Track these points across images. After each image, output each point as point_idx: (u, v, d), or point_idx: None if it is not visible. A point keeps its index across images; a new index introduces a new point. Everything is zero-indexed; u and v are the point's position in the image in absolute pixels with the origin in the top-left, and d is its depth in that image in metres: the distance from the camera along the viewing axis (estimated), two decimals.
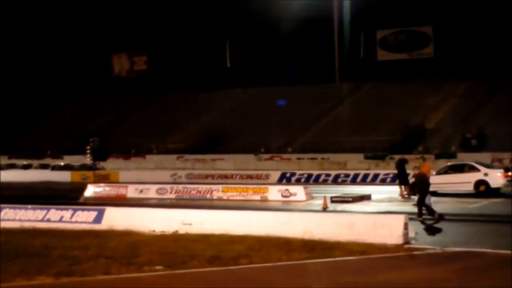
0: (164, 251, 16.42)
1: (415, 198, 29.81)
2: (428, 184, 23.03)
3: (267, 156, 59.49)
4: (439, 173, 32.73)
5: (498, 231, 19.58)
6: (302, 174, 45.97)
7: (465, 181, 31.71)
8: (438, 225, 21.76)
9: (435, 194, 31.31)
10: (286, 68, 73.50)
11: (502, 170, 32.99)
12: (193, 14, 75.97)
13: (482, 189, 31.21)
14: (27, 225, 21.73)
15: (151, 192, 35.24)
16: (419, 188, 22.69)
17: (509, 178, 32.45)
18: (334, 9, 70.44)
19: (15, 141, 72.41)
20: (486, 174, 31.55)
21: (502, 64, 61.61)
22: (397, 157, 40.78)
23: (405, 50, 71.53)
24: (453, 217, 24.02)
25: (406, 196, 30.60)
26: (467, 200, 29.60)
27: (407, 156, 40.48)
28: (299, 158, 56.73)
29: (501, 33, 63.83)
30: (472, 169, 32.15)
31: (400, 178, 31.96)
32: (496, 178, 31.56)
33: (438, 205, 28.26)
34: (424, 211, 22.30)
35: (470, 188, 31.51)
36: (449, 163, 36.06)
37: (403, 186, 31.40)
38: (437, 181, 31.77)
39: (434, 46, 70.10)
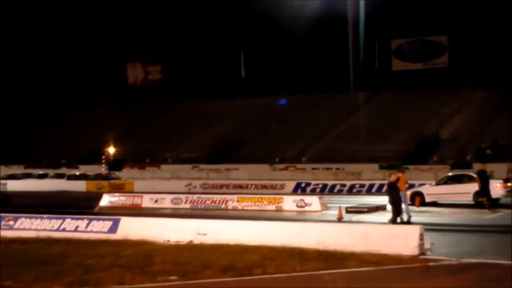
0: (178, 260, 16.43)
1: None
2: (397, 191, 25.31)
3: (282, 166, 59.37)
4: (438, 183, 32.58)
5: None
6: (317, 184, 45.73)
7: (464, 192, 31.46)
8: (454, 236, 21.67)
9: (435, 204, 31.28)
10: (291, 71, 73.43)
11: (501, 181, 32.80)
12: (208, 24, 76.22)
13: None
14: (42, 234, 21.80)
15: (166, 202, 35.29)
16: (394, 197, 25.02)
17: (508, 189, 32.23)
18: (348, 18, 70.49)
19: (29, 149, 72.75)
20: None
21: None
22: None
23: (420, 59, 71.34)
24: (469, 228, 23.91)
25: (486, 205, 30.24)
26: (482, 211, 29.36)
27: (421, 167, 40.26)
28: (314, 168, 56.54)
29: None
30: (471, 179, 31.90)
31: (482, 187, 30.97)
32: (495, 188, 31.28)
33: (455, 216, 28.21)
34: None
35: (469, 198, 31.23)
36: (449, 174, 35.95)
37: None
38: (436, 192, 31.71)
39: (449, 56, 69.94)
